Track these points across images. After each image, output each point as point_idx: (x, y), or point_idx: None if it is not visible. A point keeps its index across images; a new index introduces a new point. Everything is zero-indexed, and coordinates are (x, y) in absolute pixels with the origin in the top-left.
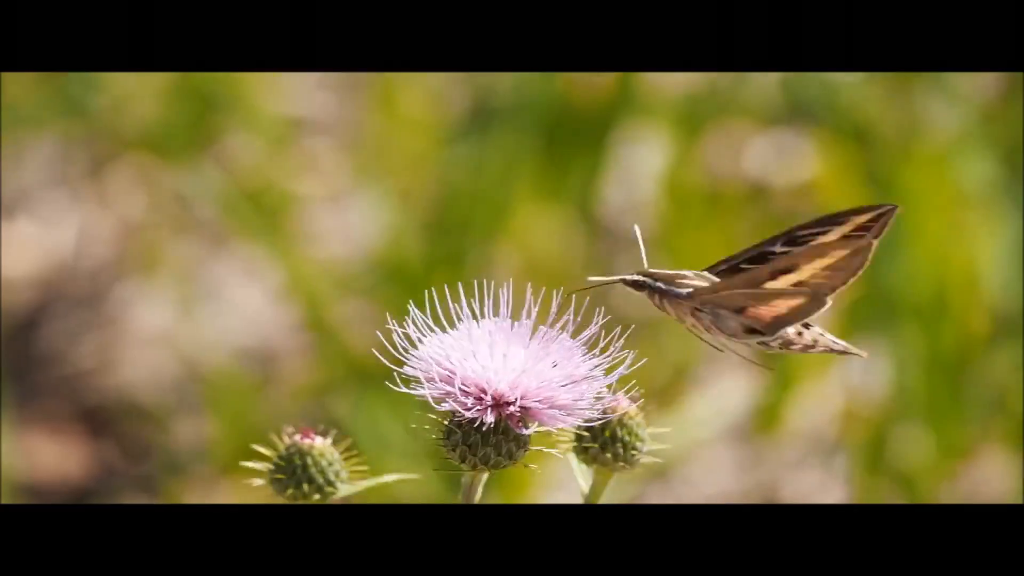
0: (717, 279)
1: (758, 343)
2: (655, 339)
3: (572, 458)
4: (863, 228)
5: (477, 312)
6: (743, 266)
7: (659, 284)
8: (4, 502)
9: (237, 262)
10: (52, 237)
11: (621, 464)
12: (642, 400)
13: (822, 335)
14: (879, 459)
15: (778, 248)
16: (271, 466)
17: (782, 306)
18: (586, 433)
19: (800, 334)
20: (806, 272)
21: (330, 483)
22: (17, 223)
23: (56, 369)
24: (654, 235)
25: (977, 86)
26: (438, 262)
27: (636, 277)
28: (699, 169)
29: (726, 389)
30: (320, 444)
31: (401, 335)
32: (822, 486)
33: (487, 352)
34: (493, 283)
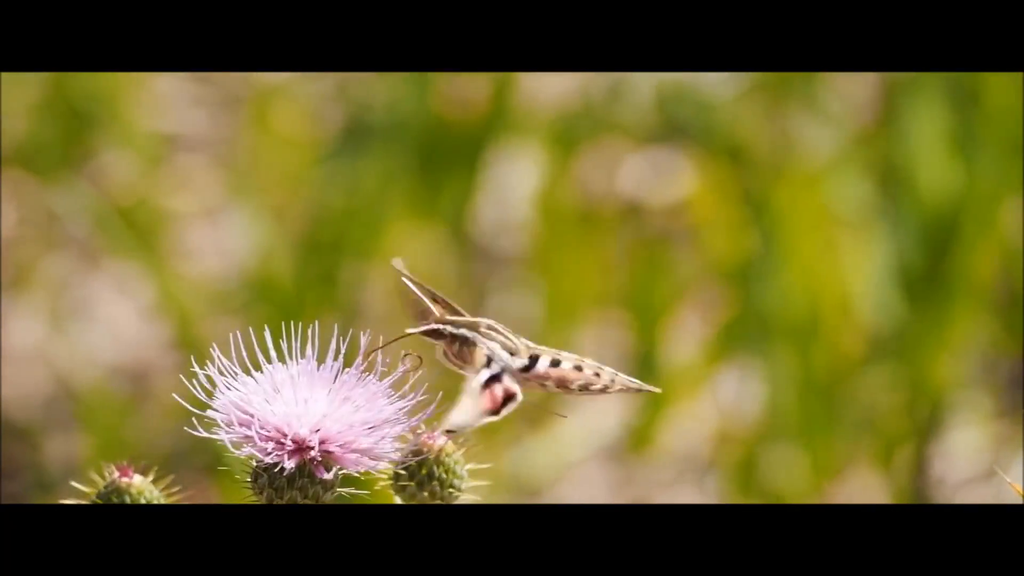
0: (506, 330)
1: (552, 390)
2: None
3: (396, 496)
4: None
5: (285, 353)
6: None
7: (462, 331)
8: None
9: (109, 279)
10: None
11: (438, 502)
12: (461, 437)
13: (616, 375)
14: (751, 478)
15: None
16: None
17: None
18: (404, 472)
19: (598, 375)
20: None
21: None
22: None
23: None
24: (528, 254)
25: (851, 107)
26: (311, 280)
27: (433, 326)
28: (573, 188)
29: (599, 408)
30: (138, 482)
31: (204, 377)
32: None
33: (290, 396)
34: (301, 324)
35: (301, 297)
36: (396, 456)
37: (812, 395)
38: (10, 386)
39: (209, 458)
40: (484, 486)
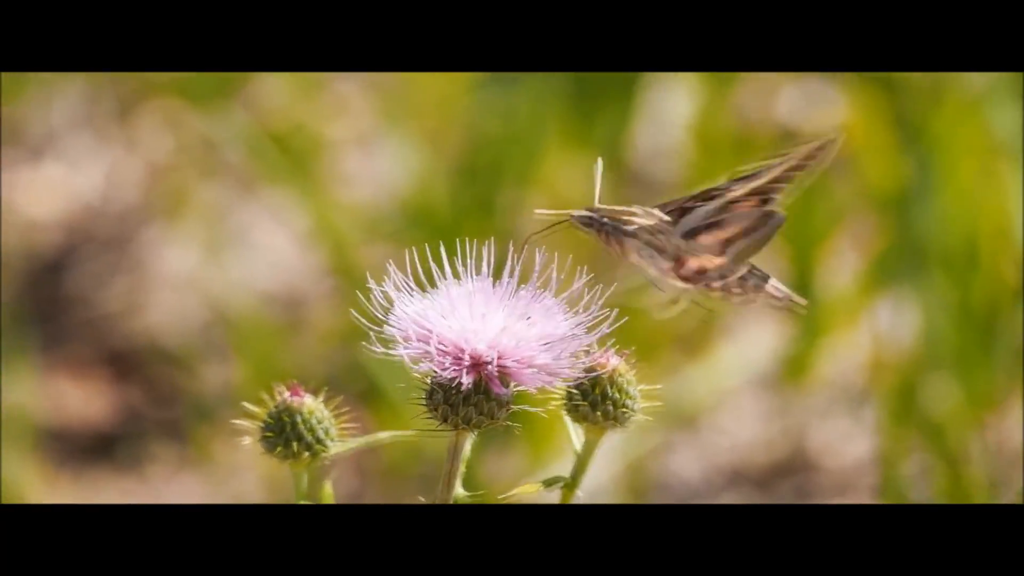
0: (664, 215)
1: (699, 287)
2: None
3: (567, 416)
4: (808, 159)
5: (460, 271)
6: (689, 205)
7: (606, 220)
8: (29, 446)
9: (264, 206)
10: (79, 180)
11: (611, 422)
12: (633, 358)
13: (767, 283)
14: (907, 409)
15: (722, 188)
16: (261, 425)
17: (708, 263)
18: (576, 391)
19: (744, 279)
20: (730, 231)
21: (319, 441)
22: (44, 165)
23: (82, 312)
24: (684, 181)
25: None
26: (466, 207)
27: (584, 213)
28: (729, 115)
29: (755, 337)
30: (310, 402)
31: (380, 294)
32: (849, 435)
33: (466, 312)
34: (476, 242)
35: (457, 223)
36: (574, 373)
37: (969, 325)
38: (166, 313)
39: (363, 385)
40: (653, 407)
